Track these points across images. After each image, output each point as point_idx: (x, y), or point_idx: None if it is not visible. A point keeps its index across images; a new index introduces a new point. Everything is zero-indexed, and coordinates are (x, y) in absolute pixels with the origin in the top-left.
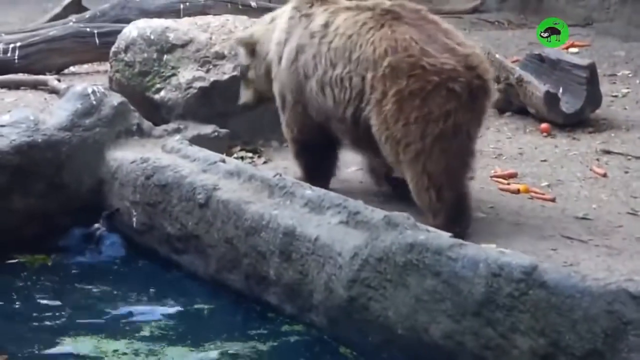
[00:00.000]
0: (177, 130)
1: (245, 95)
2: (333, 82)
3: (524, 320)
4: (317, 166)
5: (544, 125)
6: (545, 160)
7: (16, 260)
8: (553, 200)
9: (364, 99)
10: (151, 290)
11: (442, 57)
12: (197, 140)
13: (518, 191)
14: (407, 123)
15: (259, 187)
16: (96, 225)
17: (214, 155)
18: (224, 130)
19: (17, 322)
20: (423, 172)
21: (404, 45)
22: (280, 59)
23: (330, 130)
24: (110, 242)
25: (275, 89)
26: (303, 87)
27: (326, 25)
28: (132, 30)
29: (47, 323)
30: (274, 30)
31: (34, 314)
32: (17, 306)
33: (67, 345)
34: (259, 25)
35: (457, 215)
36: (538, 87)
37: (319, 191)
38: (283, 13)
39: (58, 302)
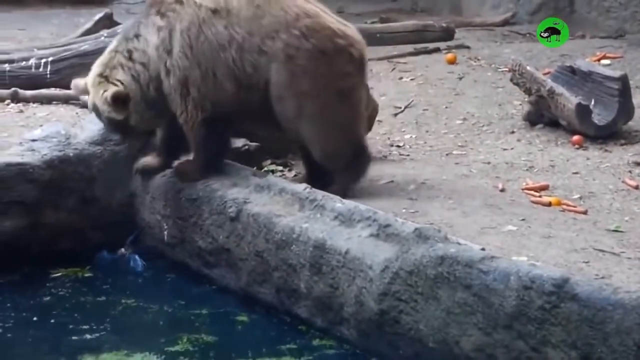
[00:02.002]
0: None
1: (139, 141)
2: (252, 49)
3: (555, 333)
4: (220, 151)
5: (575, 138)
6: (577, 173)
7: (59, 274)
8: (585, 212)
9: (272, 59)
10: (181, 303)
11: (341, 25)
12: (227, 154)
13: (550, 204)
14: (315, 77)
15: (290, 201)
16: (122, 250)
17: (245, 169)
18: (254, 144)
19: (43, 336)
20: (323, 126)
21: (312, 11)
22: (169, 52)
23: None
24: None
25: (172, 80)
26: (216, 58)
27: (227, 1)
28: None
29: (74, 338)
30: (139, 49)
31: (62, 328)
32: (45, 320)
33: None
34: (102, 68)
35: (355, 164)
36: (569, 99)
37: (349, 204)
38: (140, 28)
39: (86, 316)
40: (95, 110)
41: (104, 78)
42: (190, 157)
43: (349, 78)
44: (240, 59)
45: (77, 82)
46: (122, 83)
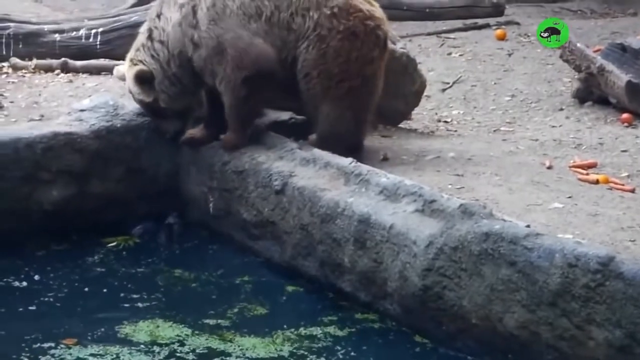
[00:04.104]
0: None
1: (173, 125)
2: (281, 24)
3: (600, 311)
4: (257, 112)
5: (625, 116)
6: (625, 151)
7: (108, 243)
8: (632, 191)
9: (301, 37)
10: (225, 275)
11: (368, 5)
12: (274, 127)
13: (597, 181)
14: (347, 60)
15: (335, 174)
16: (166, 221)
17: (291, 142)
18: (300, 117)
19: (87, 306)
20: (349, 107)
21: None
22: (194, 26)
23: None
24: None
25: (204, 52)
26: (246, 25)
27: None
28: None
29: (116, 307)
30: (159, 27)
31: (104, 298)
32: (89, 290)
33: (130, 331)
34: (130, 53)
35: (360, 144)
36: (619, 76)
37: (395, 179)
38: (163, 7)
39: (129, 286)
40: (131, 94)
41: (131, 61)
42: None
43: (375, 62)
44: (269, 32)
45: (119, 68)
46: (143, 63)
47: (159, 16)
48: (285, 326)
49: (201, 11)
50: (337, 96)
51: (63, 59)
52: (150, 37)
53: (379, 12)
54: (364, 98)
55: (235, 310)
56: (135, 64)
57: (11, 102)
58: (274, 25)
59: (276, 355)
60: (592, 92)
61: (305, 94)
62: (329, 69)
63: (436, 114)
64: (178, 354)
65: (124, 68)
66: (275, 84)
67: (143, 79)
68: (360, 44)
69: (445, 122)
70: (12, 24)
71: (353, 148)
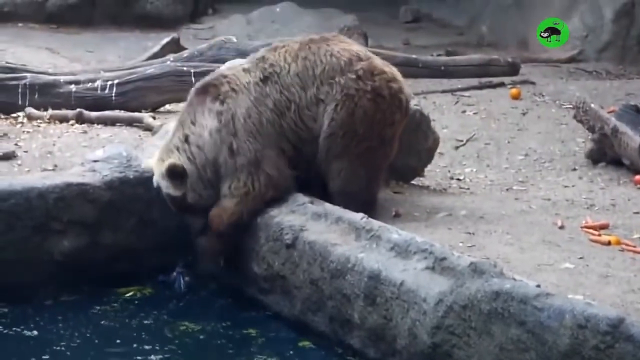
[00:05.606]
0: None
1: (199, 221)
2: (310, 102)
3: None
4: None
5: (638, 177)
6: (638, 213)
7: (122, 294)
8: None
9: (329, 102)
10: (234, 328)
11: (389, 68)
12: None
13: (609, 243)
14: (371, 122)
15: (346, 230)
16: (174, 273)
17: (302, 197)
18: None
19: (95, 358)
20: (364, 166)
21: (363, 54)
22: (234, 134)
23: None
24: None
25: (240, 160)
26: (278, 130)
27: (273, 65)
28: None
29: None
30: (196, 133)
31: (113, 349)
32: (98, 340)
33: None
34: (161, 153)
35: (373, 202)
36: (633, 138)
37: (406, 235)
38: (196, 115)
39: (137, 337)
40: (159, 189)
41: (161, 160)
42: None
43: (395, 126)
44: (300, 118)
45: (147, 161)
46: (176, 159)
47: (193, 123)
48: None
49: (238, 122)
50: (354, 155)
51: (78, 109)
52: (187, 141)
53: (399, 75)
54: (380, 158)
55: None
56: (171, 158)
57: (25, 151)
58: (304, 108)
59: None
60: (605, 153)
61: (322, 152)
62: (355, 129)
63: (449, 171)
64: None
65: (152, 163)
66: None
67: (175, 174)
68: (385, 106)
69: (458, 179)
70: (28, 75)
71: (365, 206)
